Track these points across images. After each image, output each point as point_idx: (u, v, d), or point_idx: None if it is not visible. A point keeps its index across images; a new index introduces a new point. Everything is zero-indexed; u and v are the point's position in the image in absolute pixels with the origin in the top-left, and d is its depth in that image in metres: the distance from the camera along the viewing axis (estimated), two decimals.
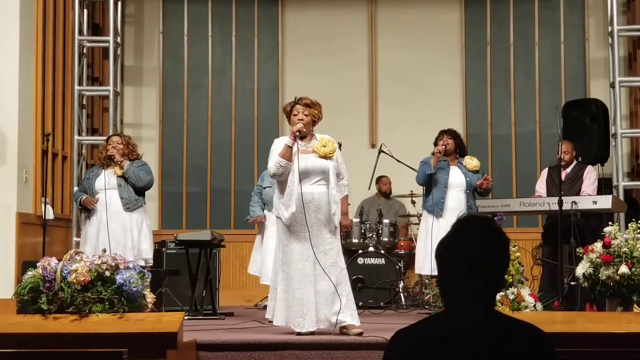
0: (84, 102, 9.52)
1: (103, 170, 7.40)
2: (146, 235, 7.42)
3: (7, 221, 7.91)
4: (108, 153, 7.34)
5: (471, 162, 7.73)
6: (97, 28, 10.07)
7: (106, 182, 7.27)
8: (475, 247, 2.37)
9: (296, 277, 5.85)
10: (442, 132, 7.80)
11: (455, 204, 7.55)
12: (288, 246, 5.92)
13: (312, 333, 5.79)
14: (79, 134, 9.35)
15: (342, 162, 6.10)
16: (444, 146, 7.62)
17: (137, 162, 7.41)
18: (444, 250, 2.42)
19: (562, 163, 7.52)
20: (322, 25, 10.76)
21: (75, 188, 9.14)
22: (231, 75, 10.79)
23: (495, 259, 2.39)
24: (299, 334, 5.76)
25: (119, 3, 9.77)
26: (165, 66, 10.78)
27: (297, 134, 5.88)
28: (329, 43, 10.69)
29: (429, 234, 7.47)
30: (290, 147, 5.87)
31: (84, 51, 9.54)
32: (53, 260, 4.84)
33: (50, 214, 8.13)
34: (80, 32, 9.41)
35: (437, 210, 7.53)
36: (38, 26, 8.49)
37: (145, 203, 7.53)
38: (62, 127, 9.12)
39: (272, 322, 6.02)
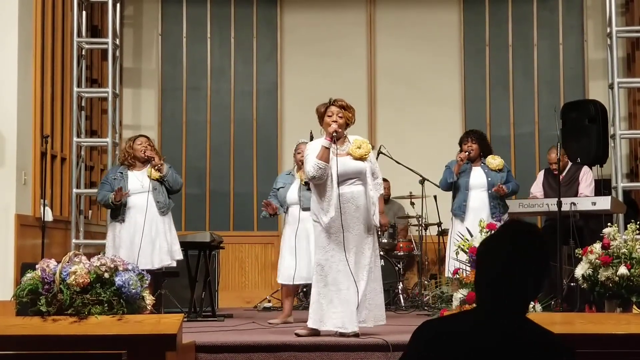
0: (83, 104, 9.51)
1: (129, 172, 7.30)
2: (176, 236, 7.42)
3: (6, 223, 7.90)
4: (147, 155, 7.21)
5: (493, 161, 7.61)
6: (95, 30, 10.06)
7: (141, 185, 7.19)
8: (514, 252, 2.37)
9: (339, 279, 5.82)
10: (467, 135, 7.71)
11: (478, 204, 7.45)
12: (326, 248, 5.87)
13: (317, 334, 5.80)
14: (78, 135, 9.33)
15: (375, 161, 6.14)
16: (467, 152, 7.53)
17: (166, 163, 7.37)
18: (484, 251, 2.44)
19: (557, 170, 7.48)
20: (321, 26, 10.77)
21: (75, 190, 9.14)
22: (230, 76, 10.79)
23: (533, 266, 2.38)
24: (317, 333, 5.76)
25: (118, 5, 9.77)
26: (164, 68, 10.78)
27: (334, 134, 5.85)
28: (328, 44, 10.69)
29: (455, 237, 7.42)
30: (328, 149, 5.84)
31: (83, 53, 9.53)
32: (52, 262, 4.84)
33: (49, 216, 8.12)
34: (79, 34, 9.41)
35: (459, 213, 7.45)
36: (37, 28, 8.49)
37: (174, 204, 7.52)
38: (60, 128, 9.11)
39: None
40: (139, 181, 7.21)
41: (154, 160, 7.19)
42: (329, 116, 5.97)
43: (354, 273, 5.80)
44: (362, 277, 5.85)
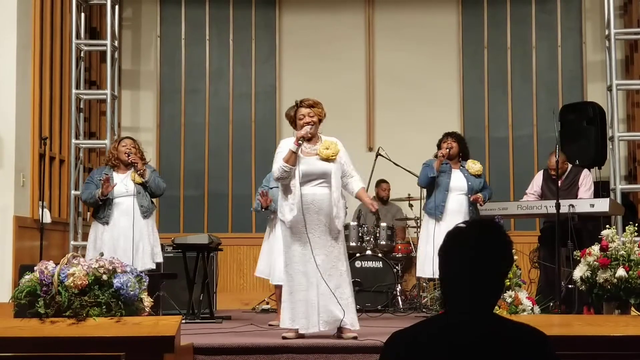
0: (82, 106, 9.50)
1: (115, 174, 7.31)
2: (158, 239, 7.44)
3: (4, 225, 7.90)
4: (131, 160, 7.21)
5: (474, 166, 7.69)
6: (94, 32, 10.06)
7: (126, 189, 7.20)
8: (475, 249, 2.36)
9: (298, 279, 5.85)
10: (447, 135, 7.77)
11: (457, 207, 7.53)
12: (290, 248, 5.91)
13: (301, 336, 5.80)
14: (76, 137, 9.33)
15: (349, 162, 6.06)
16: (447, 149, 7.58)
17: (147, 167, 7.38)
18: (444, 251, 2.42)
19: (556, 175, 7.48)
20: (319, 28, 10.77)
21: (74, 192, 9.12)
22: (228, 78, 10.79)
23: (495, 262, 2.38)
24: (302, 335, 5.77)
25: (117, 7, 9.76)
26: (162, 70, 10.78)
27: (301, 140, 5.85)
28: (326, 46, 10.69)
29: (430, 238, 7.46)
30: (295, 153, 5.85)
31: (82, 55, 9.52)
32: (50, 264, 4.83)
33: (47, 218, 8.12)
34: (78, 36, 9.40)
35: (437, 213, 7.51)
36: (35, 30, 8.49)
37: (156, 208, 7.55)
38: (59, 130, 9.11)
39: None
40: (123, 185, 7.21)
41: (137, 165, 7.20)
42: (300, 119, 5.97)
43: (317, 275, 5.79)
44: (326, 279, 5.80)
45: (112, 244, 7.10)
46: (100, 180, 7.21)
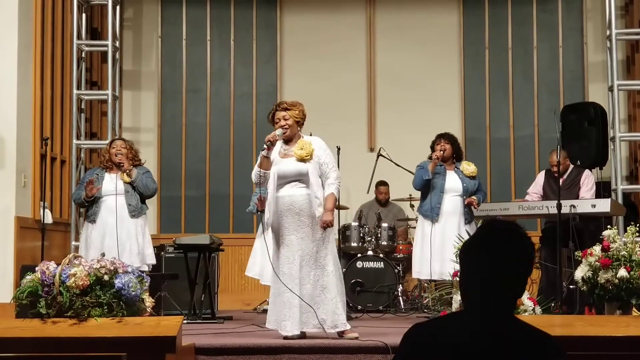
0: (83, 106, 9.51)
1: (106, 174, 7.38)
2: (149, 241, 7.49)
3: (6, 225, 7.90)
4: (117, 160, 7.30)
5: (469, 167, 7.71)
6: (95, 32, 10.07)
7: (114, 187, 7.25)
8: (497, 252, 2.37)
9: (283, 280, 5.85)
10: (440, 137, 7.78)
11: (452, 208, 7.54)
12: (277, 249, 5.95)
13: (302, 336, 5.79)
14: (78, 138, 9.34)
15: (328, 162, 5.96)
16: (442, 152, 7.60)
17: (141, 168, 7.43)
18: (466, 253, 2.44)
19: (557, 173, 7.47)
20: (321, 29, 10.76)
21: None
22: (229, 79, 10.79)
23: (516, 266, 2.39)
24: (285, 337, 5.75)
25: (118, 7, 9.78)
26: (163, 70, 10.78)
27: (268, 143, 5.89)
28: (327, 47, 10.69)
29: (426, 239, 7.47)
30: (267, 157, 5.91)
31: (83, 55, 9.53)
32: (52, 265, 4.84)
33: (49, 218, 8.12)
34: (79, 36, 9.41)
35: (433, 215, 7.52)
36: (37, 30, 8.49)
37: (148, 209, 7.58)
38: (60, 131, 9.11)
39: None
40: (112, 183, 7.28)
41: (123, 165, 7.27)
42: (276, 122, 6.02)
43: (300, 277, 5.80)
44: (308, 281, 5.82)
45: (99, 242, 7.19)
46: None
